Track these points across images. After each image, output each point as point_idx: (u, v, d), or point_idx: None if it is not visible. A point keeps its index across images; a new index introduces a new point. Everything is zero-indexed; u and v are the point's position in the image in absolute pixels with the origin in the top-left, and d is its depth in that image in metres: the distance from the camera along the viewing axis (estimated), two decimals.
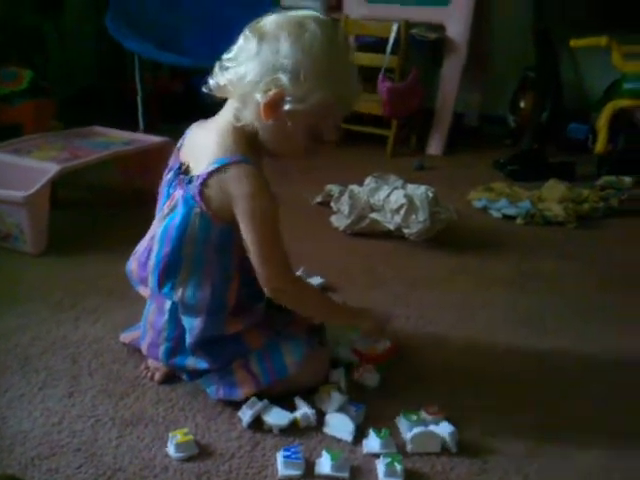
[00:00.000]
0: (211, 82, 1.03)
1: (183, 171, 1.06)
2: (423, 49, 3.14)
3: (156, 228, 1.08)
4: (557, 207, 2.19)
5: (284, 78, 0.95)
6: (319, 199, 2.18)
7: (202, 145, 1.05)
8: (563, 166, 2.66)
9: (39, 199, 1.58)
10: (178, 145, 1.13)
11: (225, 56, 1.02)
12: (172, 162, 1.12)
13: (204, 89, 1.04)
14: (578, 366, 1.30)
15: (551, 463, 1.01)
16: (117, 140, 1.97)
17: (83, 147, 1.85)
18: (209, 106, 1.11)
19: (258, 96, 0.97)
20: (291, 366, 1.08)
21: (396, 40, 2.78)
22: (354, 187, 2.02)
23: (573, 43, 2.71)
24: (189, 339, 1.05)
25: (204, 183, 0.99)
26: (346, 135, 3.13)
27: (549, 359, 1.32)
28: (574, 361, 1.32)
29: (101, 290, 1.48)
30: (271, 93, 0.96)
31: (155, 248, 1.07)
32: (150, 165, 1.96)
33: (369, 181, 2.03)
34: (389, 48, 2.77)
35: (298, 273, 1.54)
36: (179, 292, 1.05)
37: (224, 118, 1.05)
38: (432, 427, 1.04)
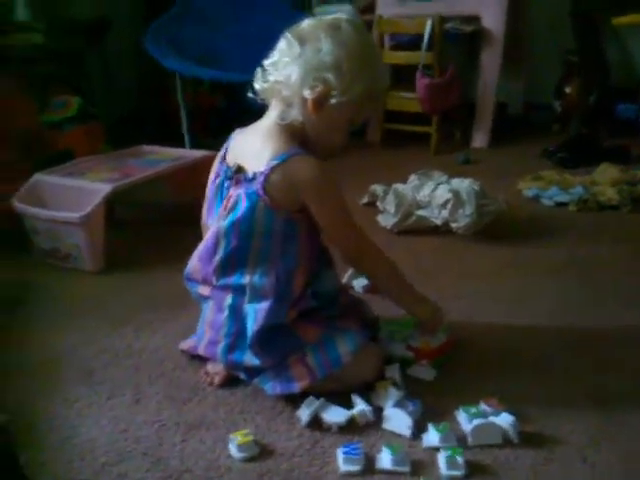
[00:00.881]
0: (256, 86, 1.11)
1: (235, 172, 1.11)
2: (459, 42, 3.11)
3: (217, 226, 1.12)
4: (611, 191, 2.12)
5: (328, 74, 1.03)
6: (365, 200, 2.18)
7: (252, 146, 1.10)
8: (616, 149, 2.58)
9: (94, 219, 1.65)
10: (221, 153, 1.18)
11: (267, 61, 1.09)
12: (217, 169, 1.17)
13: (249, 94, 1.12)
14: (637, 351, 1.26)
15: (618, 451, 0.98)
16: (166, 157, 2.03)
17: (133, 166, 1.92)
18: (253, 118, 1.16)
19: (306, 93, 1.04)
20: (345, 356, 1.09)
21: (431, 36, 2.77)
22: (398, 185, 2.02)
23: (616, 21, 2.63)
24: (253, 326, 1.07)
25: (267, 178, 1.04)
26: (388, 135, 3.14)
27: (609, 346, 1.28)
28: (633, 346, 1.28)
29: (158, 304, 1.52)
30: (318, 89, 1.04)
31: (222, 243, 1.11)
32: (199, 179, 2.01)
33: (413, 178, 2.02)
34: (424, 44, 2.76)
35: (347, 274, 1.56)
36: (247, 278, 1.09)
37: (269, 120, 1.12)
38: (492, 418, 1.03)
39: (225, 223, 1.10)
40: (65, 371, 1.25)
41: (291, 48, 1.05)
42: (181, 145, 2.73)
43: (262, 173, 1.05)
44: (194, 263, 1.18)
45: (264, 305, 1.08)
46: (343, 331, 1.13)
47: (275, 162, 1.04)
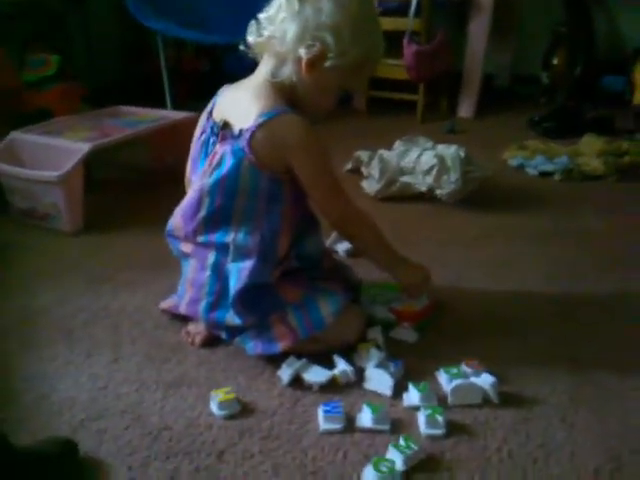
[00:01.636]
0: (249, 39, 1.07)
1: (222, 128, 1.08)
2: (448, 10, 3.07)
3: (201, 183, 1.09)
4: (596, 161, 2.13)
5: (327, 35, 1.00)
6: (349, 166, 2.16)
7: (241, 102, 1.08)
8: (601, 121, 2.58)
9: (73, 178, 1.61)
10: (208, 108, 1.15)
11: (262, 15, 1.06)
12: (203, 125, 1.14)
13: (241, 47, 1.09)
14: (618, 318, 1.27)
15: (596, 411, 1.00)
16: (145, 118, 1.99)
17: (112, 126, 1.88)
18: (236, 81, 1.12)
19: (302, 52, 1.01)
20: (328, 317, 1.08)
21: (419, 2, 2.72)
22: (383, 152, 2.00)
23: None
24: (236, 285, 1.05)
25: (253, 135, 1.02)
26: (374, 103, 3.10)
27: (588, 311, 1.30)
28: (614, 313, 1.29)
29: (137, 264, 1.50)
30: (315, 49, 1.01)
31: (206, 200, 1.08)
32: (179, 141, 1.97)
33: (398, 145, 2.00)
34: (412, 11, 2.71)
35: (330, 237, 1.55)
36: (231, 236, 1.07)
37: (259, 76, 1.09)
38: (473, 379, 1.03)
39: (210, 180, 1.07)
40: (42, 330, 1.22)
41: (290, 4, 1.01)
42: (163, 108, 2.68)
43: (248, 130, 1.02)
44: (177, 220, 1.15)
45: (247, 264, 1.06)
46: (325, 292, 1.12)
47: (262, 119, 1.01)
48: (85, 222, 1.70)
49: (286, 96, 1.06)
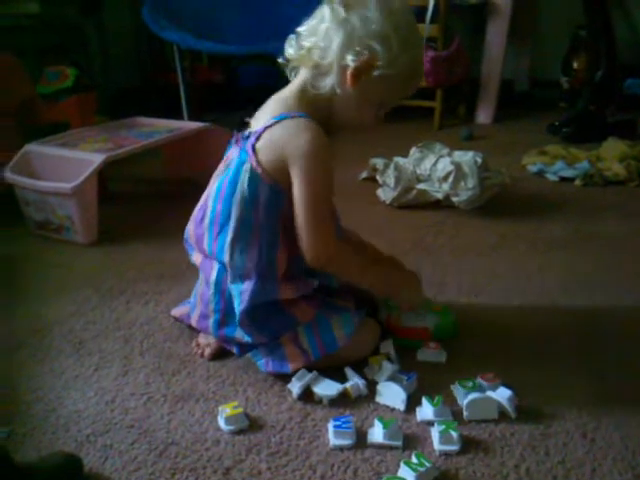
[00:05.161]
0: (289, 52, 1.02)
1: (238, 131, 1.06)
2: (465, 15, 3.04)
3: (211, 187, 1.08)
4: (618, 166, 2.07)
5: (375, 43, 0.95)
6: (365, 174, 2.14)
7: (264, 108, 1.05)
8: (622, 124, 2.53)
9: (86, 189, 1.61)
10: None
11: (302, 27, 1.01)
12: None
13: (279, 59, 1.04)
14: None
15: (618, 426, 0.95)
16: (160, 129, 1.99)
17: (127, 137, 1.88)
18: (251, 94, 1.09)
19: (349, 59, 0.96)
20: (341, 340, 1.05)
21: (435, 7, 2.69)
22: (399, 159, 1.97)
23: None
24: (239, 307, 1.02)
25: (258, 138, 0.99)
26: (390, 110, 3.08)
27: (609, 323, 1.25)
28: (637, 324, 1.24)
29: (150, 276, 1.49)
30: (363, 58, 0.96)
31: (210, 205, 1.06)
32: (195, 151, 1.98)
33: (414, 151, 1.97)
34: (428, 16, 2.68)
35: None
36: (227, 255, 1.03)
37: (292, 87, 1.04)
38: (489, 393, 1.00)
39: (217, 184, 1.05)
40: (53, 342, 1.22)
41: (335, 13, 0.96)
42: (180, 119, 2.69)
43: (256, 132, 1.00)
44: (190, 224, 1.14)
45: (247, 286, 1.02)
46: (339, 311, 1.08)
47: (272, 121, 0.98)
48: (100, 234, 1.70)
49: (318, 108, 1.01)
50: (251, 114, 1.08)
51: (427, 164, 1.85)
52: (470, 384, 1.01)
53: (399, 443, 0.92)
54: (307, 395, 1.02)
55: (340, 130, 1.07)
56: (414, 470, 0.84)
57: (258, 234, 1.02)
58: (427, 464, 0.85)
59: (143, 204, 2.04)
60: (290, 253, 1.04)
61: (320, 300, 1.10)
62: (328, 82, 0.99)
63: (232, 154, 1.05)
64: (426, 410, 0.98)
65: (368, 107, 1.03)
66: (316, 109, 1.01)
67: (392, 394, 1.00)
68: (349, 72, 0.97)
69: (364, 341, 1.11)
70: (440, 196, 1.81)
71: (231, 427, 0.95)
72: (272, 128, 0.98)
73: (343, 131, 1.08)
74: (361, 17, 0.95)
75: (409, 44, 0.98)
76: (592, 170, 2.06)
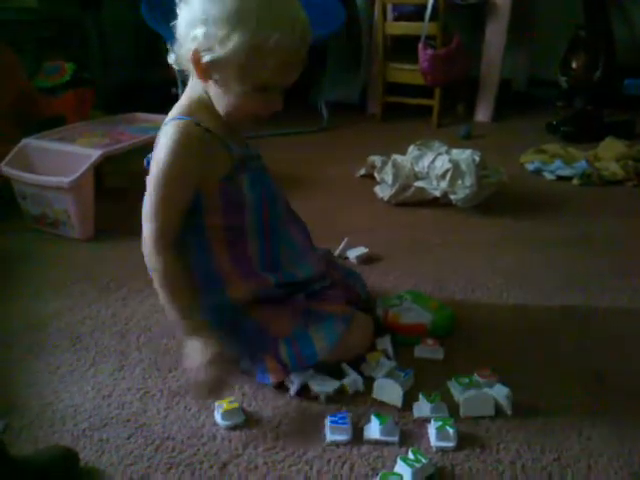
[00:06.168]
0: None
1: None
2: (464, 14, 3.04)
3: None
4: (615, 165, 2.08)
5: (198, 31, 0.89)
6: (363, 171, 2.14)
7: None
8: (620, 124, 2.53)
9: (83, 184, 1.60)
10: None
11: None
12: None
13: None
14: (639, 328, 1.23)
15: (614, 424, 0.95)
16: (158, 124, 1.97)
17: (125, 132, 1.87)
18: None
19: (188, 57, 0.92)
20: (321, 352, 1.02)
21: (434, 6, 2.69)
22: (397, 156, 1.97)
23: None
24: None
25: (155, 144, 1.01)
26: (389, 108, 3.08)
27: (608, 320, 1.25)
28: (635, 323, 1.25)
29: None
30: (192, 50, 0.91)
31: None
32: None
33: (412, 149, 1.97)
34: (427, 14, 2.68)
35: (341, 245, 1.52)
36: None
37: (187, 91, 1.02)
38: (485, 390, 1.00)
39: None
40: (49, 337, 1.21)
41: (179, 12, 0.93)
42: None
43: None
44: None
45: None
46: (323, 320, 1.05)
47: (162, 127, 0.99)
48: (96, 229, 1.70)
49: (205, 108, 0.98)
50: None
51: (425, 162, 1.85)
52: (467, 381, 1.02)
53: (395, 439, 0.92)
54: (304, 391, 1.02)
55: (241, 124, 1.02)
56: (410, 466, 0.84)
57: (187, 238, 1.03)
58: (423, 460, 0.85)
59: (139, 200, 2.02)
60: (232, 254, 1.04)
61: (303, 307, 1.07)
62: (197, 85, 0.97)
63: None
64: (423, 406, 0.98)
65: (232, 94, 0.94)
66: (207, 108, 0.98)
67: (389, 390, 1.00)
68: (191, 62, 0.92)
69: (359, 338, 1.10)
70: (438, 194, 1.82)
71: (228, 422, 0.95)
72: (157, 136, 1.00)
73: (243, 124, 1.02)
74: (187, 9, 0.91)
75: (238, 21, 0.87)
76: (590, 170, 2.07)
